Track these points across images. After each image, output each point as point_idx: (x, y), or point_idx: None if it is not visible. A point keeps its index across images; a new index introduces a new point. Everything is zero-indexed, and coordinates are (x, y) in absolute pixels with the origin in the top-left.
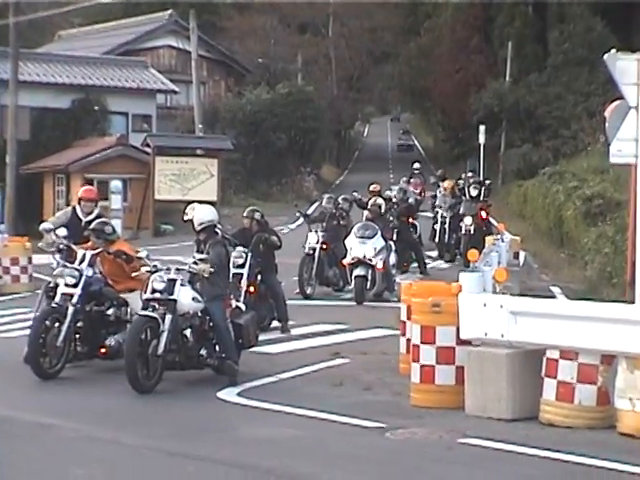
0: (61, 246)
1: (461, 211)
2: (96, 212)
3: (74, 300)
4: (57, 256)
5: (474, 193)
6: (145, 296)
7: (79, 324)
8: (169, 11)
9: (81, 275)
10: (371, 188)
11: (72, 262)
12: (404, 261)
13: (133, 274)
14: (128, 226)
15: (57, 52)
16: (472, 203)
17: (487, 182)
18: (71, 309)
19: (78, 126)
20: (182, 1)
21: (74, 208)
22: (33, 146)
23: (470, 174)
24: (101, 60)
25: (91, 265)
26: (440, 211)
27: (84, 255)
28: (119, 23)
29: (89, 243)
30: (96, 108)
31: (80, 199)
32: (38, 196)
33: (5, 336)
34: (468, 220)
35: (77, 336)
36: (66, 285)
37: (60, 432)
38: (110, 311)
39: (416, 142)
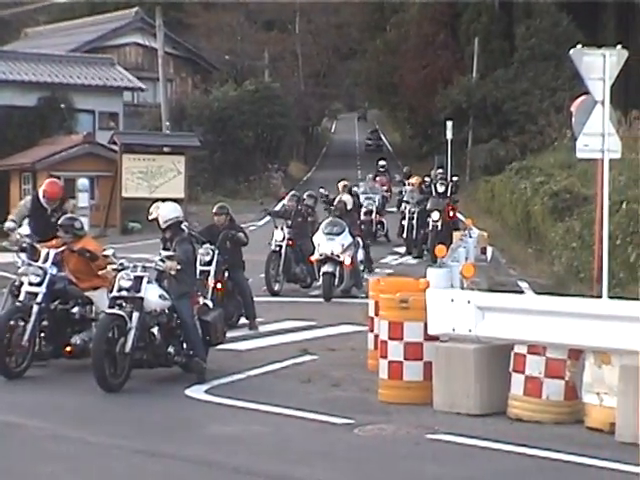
0: (24, 245)
1: (428, 207)
2: (65, 207)
3: (38, 299)
4: (21, 255)
5: (441, 189)
6: (112, 294)
7: (44, 323)
8: (135, 8)
9: (45, 273)
10: (340, 185)
11: (36, 260)
12: None
13: (99, 272)
14: (95, 224)
15: (23, 50)
16: (439, 199)
17: (455, 179)
18: (35, 308)
19: (44, 124)
20: None
21: (36, 197)
22: (0, 144)
23: (440, 171)
24: (67, 58)
25: (55, 263)
26: (408, 207)
27: (48, 253)
28: (85, 21)
29: (53, 241)
30: (62, 106)
31: (43, 194)
32: (4, 194)
33: None
34: (435, 215)
35: (42, 335)
36: (30, 284)
37: (26, 430)
38: (75, 309)
39: (385, 140)
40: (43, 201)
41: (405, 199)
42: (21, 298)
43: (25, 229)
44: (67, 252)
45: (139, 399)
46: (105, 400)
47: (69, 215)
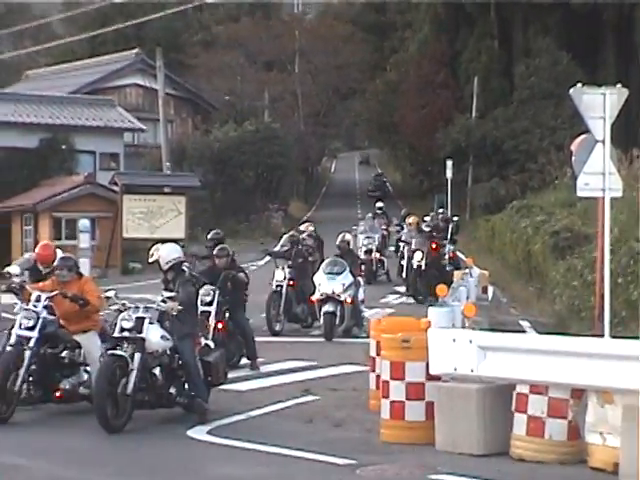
0: (13, 285)
1: (412, 247)
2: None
3: (31, 343)
4: (10, 295)
5: (426, 229)
6: (114, 334)
7: (32, 367)
8: (135, 50)
9: (38, 317)
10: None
11: (27, 301)
12: None
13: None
14: (96, 265)
15: (24, 92)
16: (423, 238)
17: (455, 218)
18: (28, 353)
19: (46, 165)
20: (148, 39)
21: (34, 259)
22: (1, 186)
23: (440, 210)
24: (68, 99)
25: (46, 307)
26: (407, 247)
27: (39, 297)
28: (86, 62)
29: (47, 282)
30: (63, 147)
31: (37, 257)
32: (6, 236)
33: None
34: (418, 255)
35: (30, 379)
36: (22, 327)
37: (29, 472)
38: (64, 353)
39: (388, 184)
40: (38, 264)
41: (403, 239)
42: (12, 342)
43: (15, 269)
44: (59, 296)
45: (141, 440)
46: (107, 441)
47: (66, 255)
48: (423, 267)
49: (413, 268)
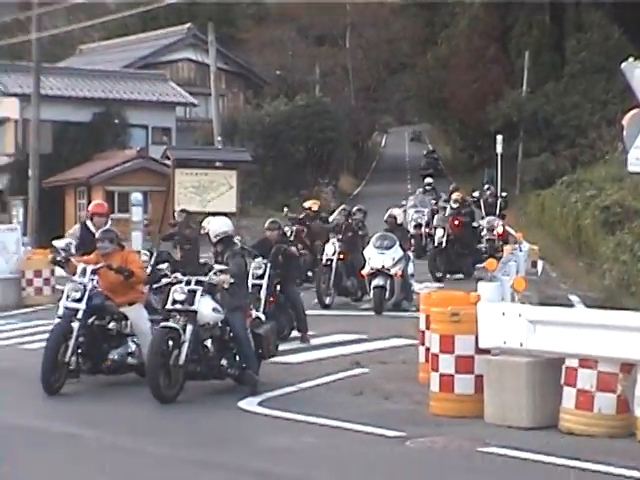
0: (59, 258)
1: (434, 224)
2: (108, 225)
3: (79, 315)
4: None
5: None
6: (166, 307)
7: (80, 339)
8: (187, 24)
9: (85, 289)
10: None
11: (73, 275)
12: None
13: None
14: (149, 239)
15: (78, 66)
16: (444, 215)
17: (504, 194)
18: (76, 325)
19: (99, 139)
20: (200, 14)
21: (84, 224)
22: (55, 159)
23: (487, 186)
24: (121, 74)
25: (92, 279)
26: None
27: (84, 269)
28: (139, 37)
29: (91, 256)
30: (116, 121)
31: (92, 214)
32: (60, 209)
33: (27, 347)
34: (439, 232)
35: (79, 351)
36: (69, 299)
37: (85, 442)
38: (111, 325)
39: (440, 162)
40: (90, 224)
41: (447, 215)
42: (60, 314)
43: (60, 243)
44: (105, 268)
45: (193, 410)
46: (160, 411)
47: (107, 227)
48: (444, 244)
49: (434, 245)
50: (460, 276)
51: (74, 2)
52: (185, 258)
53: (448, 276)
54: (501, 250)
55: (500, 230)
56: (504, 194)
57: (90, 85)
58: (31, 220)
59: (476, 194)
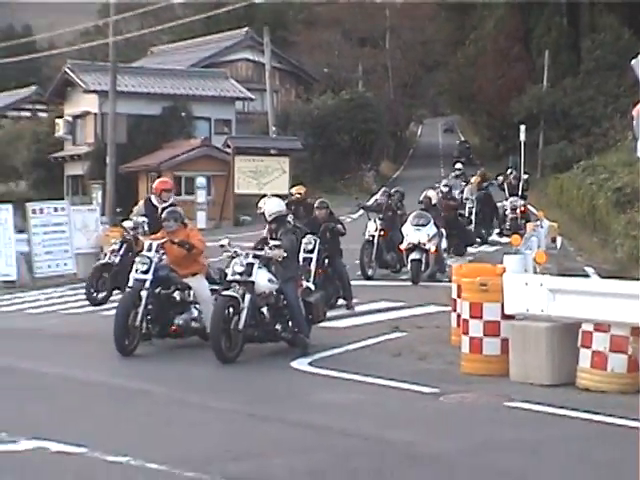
0: (127, 237)
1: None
2: (171, 200)
3: (146, 285)
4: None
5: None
6: (227, 278)
7: (149, 307)
8: (245, 28)
9: (151, 262)
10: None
11: (140, 251)
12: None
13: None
14: (212, 217)
15: (149, 66)
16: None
17: (525, 177)
18: (144, 293)
19: (167, 130)
20: (257, 19)
21: (148, 199)
22: (129, 148)
23: (509, 171)
24: (187, 72)
25: (158, 253)
26: (467, 203)
27: (150, 245)
28: (202, 39)
29: (158, 234)
30: (183, 114)
31: (161, 190)
32: (133, 192)
33: (105, 314)
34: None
35: (148, 317)
36: (138, 271)
37: (155, 397)
38: (176, 294)
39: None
40: (154, 199)
41: (465, 196)
42: (130, 284)
43: (129, 223)
44: (168, 243)
45: (251, 370)
46: (222, 371)
47: (174, 207)
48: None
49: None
50: (387, 272)
51: (145, 10)
52: None
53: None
54: (524, 227)
55: (522, 209)
56: (526, 177)
57: (160, 82)
58: (108, 202)
59: (500, 178)
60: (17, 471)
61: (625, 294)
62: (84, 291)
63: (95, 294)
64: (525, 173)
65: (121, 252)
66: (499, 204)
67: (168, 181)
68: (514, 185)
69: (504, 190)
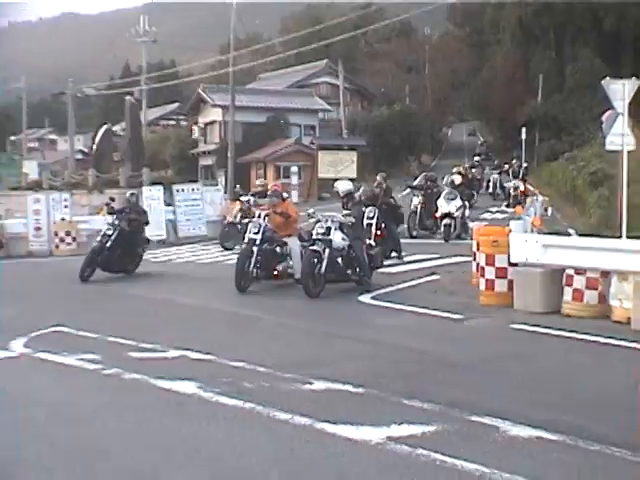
0: (244, 207)
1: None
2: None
3: (257, 242)
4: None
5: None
6: (313, 237)
7: (259, 257)
8: (325, 60)
9: (260, 226)
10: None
11: (253, 216)
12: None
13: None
14: (302, 194)
15: (258, 87)
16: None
17: (525, 165)
18: (255, 249)
19: (270, 133)
20: (333, 54)
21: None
22: (243, 146)
23: (514, 161)
24: (284, 92)
25: (264, 220)
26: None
27: (260, 214)
28: (294, 68)
29: (265, 205)
30: (282, 122)
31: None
32: (247, 177)
33: (227, 263)
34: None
35: (258, 265)
36: (251, 233)
37: (262, 321)
38: (277, 249)
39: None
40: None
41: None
42: (245, 241)
43: (245, 197)
44: (272, 213)
45: (329, 302)
46: (310, 302)
47: (275, 188)
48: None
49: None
50: (426, 233)
51: (253, 48)
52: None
53: (415, 233)
54: (524, 201)
55: (522, 189)
56: (525, 164)
57: (265, 99)
58: (229, 183)
59: (506, 166)
60: (167, 372)
61: (596, 247)
62: (218, 243)
63: (226, 243)
64: (525, 161)
65: (240, 215)
66: (505, 184)
67: (277, 185)
68: (516, 171)
69: (509, 174)
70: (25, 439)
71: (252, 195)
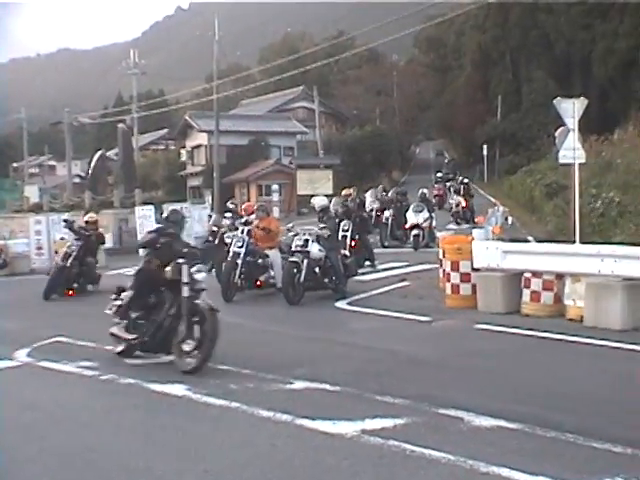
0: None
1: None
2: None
3: (241, 255)
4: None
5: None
6: (292, 249)
7: (243, 269)
8: (301, 86)
9: (244, 241)
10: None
11: (236, 229)
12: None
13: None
14: (282, 210)
15: (240, 113)
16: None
17: (466, 181)
18: (239, 261)
19: (252, 155)
20: (309, 80)
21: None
22: (228, 167)
23: (460, 178)
24: (264, 116)
25: (248, 234)
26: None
27: (243, 229)
28: (274, 94)
29: (250, 218)
30: (262, 144)
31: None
32: (231, 195)
33: (213, 275)
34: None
35: (242, 276)
36: (236, 246)
37: (245, 327)
38: (259, 261)
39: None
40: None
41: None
42: (230, 255)
43: (228, 214)
44: (255, 228)
45: (308, 309)
46: (289, 309)
47: (260, 204)
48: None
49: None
50: (397, 243)
51: (235, 77)
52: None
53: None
54: (470, 217)
55: (464, 204)
56: (466, 181)
57: (247, 124)
58: (215, 202)
59: (449, 183)
60: (158, 376)
61: (552, 252)
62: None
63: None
64: (465, 178)
65: (222, 231)
66: (449, 200)
67: (250, 205)
68: (458, 188)
69: (450, 192)
70: (29, 440)
71: (225, 212)
